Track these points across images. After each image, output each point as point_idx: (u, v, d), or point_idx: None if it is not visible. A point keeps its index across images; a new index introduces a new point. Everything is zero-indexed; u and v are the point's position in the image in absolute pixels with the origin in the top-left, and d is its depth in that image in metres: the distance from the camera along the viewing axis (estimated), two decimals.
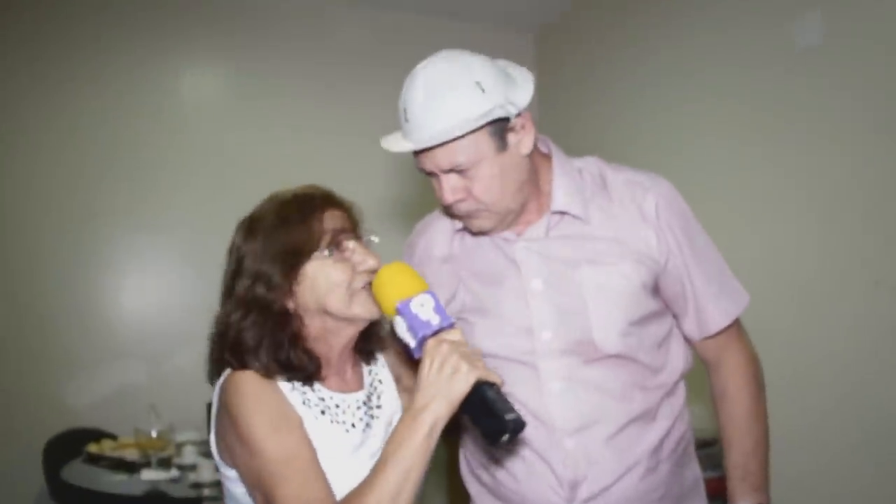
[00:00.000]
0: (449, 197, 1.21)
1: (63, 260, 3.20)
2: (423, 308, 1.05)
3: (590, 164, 1.34)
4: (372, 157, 3.47)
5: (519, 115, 1.20)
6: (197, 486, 2.34)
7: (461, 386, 0.99)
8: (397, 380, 1.30)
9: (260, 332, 1.08)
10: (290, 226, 1.11)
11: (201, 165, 3.37)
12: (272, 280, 1.09)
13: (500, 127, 1.19)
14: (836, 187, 2.20)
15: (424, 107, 1.16)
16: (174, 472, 2.50)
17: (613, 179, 1.31)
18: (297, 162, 3.26)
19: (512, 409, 1.01)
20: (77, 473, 2.60)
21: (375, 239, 1.19)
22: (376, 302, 1.11)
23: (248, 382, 1.06)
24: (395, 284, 1.08)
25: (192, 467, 2.50)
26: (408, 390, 1.32)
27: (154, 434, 2.58)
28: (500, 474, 1.32)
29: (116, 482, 2.47)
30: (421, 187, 3.34)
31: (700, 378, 1.40)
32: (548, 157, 1.33)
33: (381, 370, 1.27)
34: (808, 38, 2.28)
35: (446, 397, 0.99)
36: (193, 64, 3.50)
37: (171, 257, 3.33)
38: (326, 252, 1.11)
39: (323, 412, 1.11)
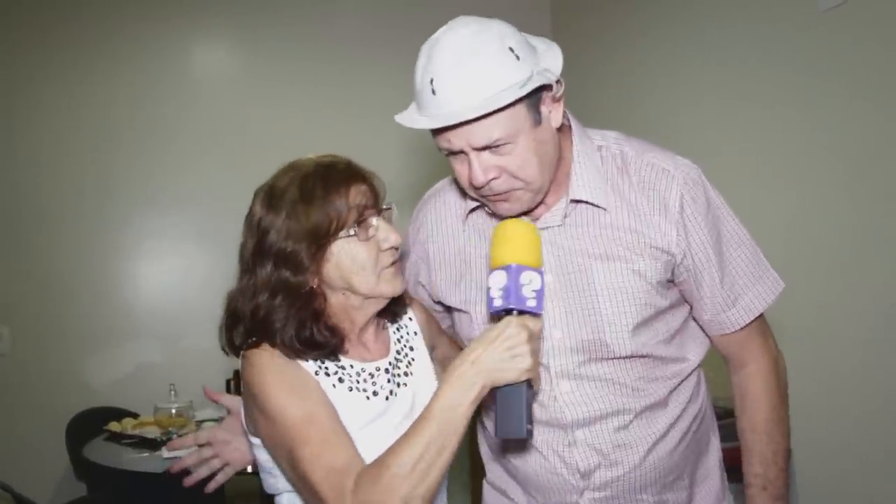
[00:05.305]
0: (481, 177, 1.10)
1: (81, 240, 3.22)
2: (530, 284, 1.02)
3: (609, 142, 1.24)
4: (388, 132, 3.47)
5: (559, 82, 1.11)
6: None
7: (513, 374, 0.98)
8: (431, 348, 1.27)
9: (286, 313, 1.07)
10: (314, 202, 1.06)
11: (215, 143, 3.35)
12: (299, 262, 1.06)
13: (535, 98, 1.09)
14: (864, 152, 2.13)
15: (455, 78, 1.05)
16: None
17: (636, 161, 1.21)
18: (311, 138, 3.23)
19: (531, 420, 1.01)
20: (99, 451, 2.64)
21: (395, 210, 1.16)
22: (401, 279, 1.14)
23: (263, 356, 1.07)
24: (520, 245, 1.04)
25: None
26: (441, 360, 1.30)
27: (173, 412, 2.60)
28: (513, 461, 1.31)
29: (138, 459, 2.50)
30: (437, 165, 3.32)
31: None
32: (565, 130, 1.24)
33: (411, 337, 1.25)
34: None
35: (496, 373, 0.97)
36: (205, 39, 3.46)
37: (186, 236, 3.33)
38: (352, 231, 1.08)
39: (341, 380, 1.10)
